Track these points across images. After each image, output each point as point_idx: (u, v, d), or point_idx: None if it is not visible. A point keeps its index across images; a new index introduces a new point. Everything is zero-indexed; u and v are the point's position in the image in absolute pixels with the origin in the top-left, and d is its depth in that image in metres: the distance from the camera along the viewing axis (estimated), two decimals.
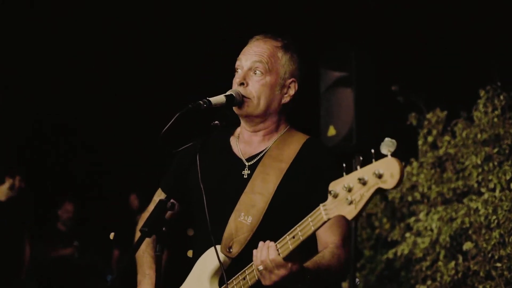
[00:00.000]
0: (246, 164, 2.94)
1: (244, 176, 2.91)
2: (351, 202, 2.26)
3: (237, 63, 2.97)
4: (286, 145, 2.95)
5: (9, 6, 7.76)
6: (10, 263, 6.76)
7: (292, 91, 2.97)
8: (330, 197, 2.34)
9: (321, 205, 2.38)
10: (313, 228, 2.41)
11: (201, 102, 2.70)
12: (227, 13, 7.63)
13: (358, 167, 2.25)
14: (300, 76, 3.00)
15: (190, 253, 3.01)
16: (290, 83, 2.96)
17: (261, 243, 2.57)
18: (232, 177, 2.93)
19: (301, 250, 2.52)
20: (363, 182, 2.22)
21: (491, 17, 6.06)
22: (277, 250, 2.51)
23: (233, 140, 3.06)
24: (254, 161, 2.94)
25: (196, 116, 2.68)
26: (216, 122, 2.77)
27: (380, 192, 2.20)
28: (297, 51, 3.02)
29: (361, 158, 2.25)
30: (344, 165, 2.33)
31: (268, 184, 2.84)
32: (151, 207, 3.13)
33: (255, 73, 2.90)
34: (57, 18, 7.96)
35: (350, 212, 2.28)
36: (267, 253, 2.52)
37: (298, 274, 2.54)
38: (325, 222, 2.38)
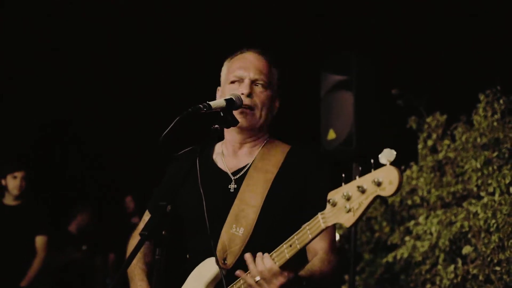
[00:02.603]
0: (232, 178, 2.98)
1: (231, 190, 2.95)
2: (349, 210, 2.29)
3: (236, 73, 2.99)
4: (270, 155, 3.00)
5: (8, 6, 7.77)
6: (11, 271, 6.71)
7: (277, 104, 3.08)
8: (328, 206, 2.35)
9: (319, 213, 2.40)
10: (310, 236, 2.43)
11: (201, 105, 2.70)
12: (228, 17, 7.64)
13: (357, 177, 2.28)
14: (281, 91, 3.10)
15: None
16: (277, 96, 3.07)
17: (249, 257, 2.59)
18: (219, 191, 2.96)
19: (296, 261, 2.55)
20: (362, 190, 2.24)
21: (491, 22, 6.07)
22: (273, 259, 2.53)
23: (216, 157, 3.09)
24: (240, 174, 2.98)
25: (197, 120, 2.69)
26: (216, 126, 2.78)
27: (380, 199, 2.21)
28: (282, 66, 3.12)
29: (360, 168, 2.28)
30: (343, 175, 2.35)
31: (256, 195, 2.88)
32: (141, 226, 3.15)
33: (257, 86, 2.96)
34: (56, 18, 7.97)
35: (348, 220, 2.30)
36: (263, 263, 2.53)
37: (295, 282, 2.55)
38: (323, 230, 2.40)
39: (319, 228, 2.40)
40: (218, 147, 3.12)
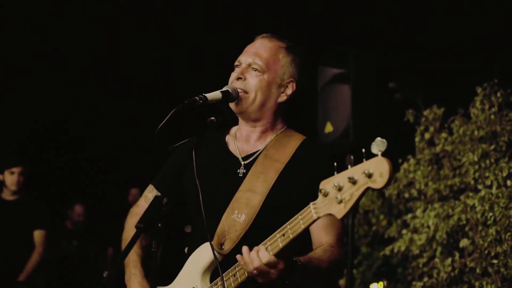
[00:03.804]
0: (242, 163, 2.96)
1: (240, 175, 2.92)
2: (340, 201, 2.26)
3: (239, 58, 2.99)
4: (282, 145, 2.96)
5: (8, 6, 7.76)
6: (9, 265, 6.71)
7: (289, 91, 2.98)
8: (320, 196, 2.33)
9: (311, 203, 2.38)
10: (302, 226, 2.40)
11: (197, 98, 2.69)
12: (226, 11, 7.63)
13: (349, 166, 2.25)
14: (299, 79, 3.02)
15: (186, 250, 3.01)
16: (288, 83, 2.98)
17: (246, 250, 2.54)
18: (228, 175, 2.94)
19: (293, 251, 2.52)
20: (353, 182, 2.22)
21: (489, 15, 6.07)
22: (266, 248, 2.49)
23: (229, 139, 3.07)
24: (250, 160, 2.95)
25: (193, 112, 2.68)
26: (212, 118, 2.77)
27: (374, 190, 2.19)
28: (301, 55, 3.05)
29: (352, 158, 2.27)
30: (335, 164, 2.33)
31: (263, 183, 2.85)
32: (141, 201, 3.14)
33: (254, 69, 2.93)
34: (56, 18, 7.96)
35: (340, 211, 2.28)
36: (259, 257, 2.50)
37: (289, 268, 2.53)
38: (314, 220, 2.37)
39: (311, 218, 2.38)
40: (233, 129, 3.10)
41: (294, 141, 2.98)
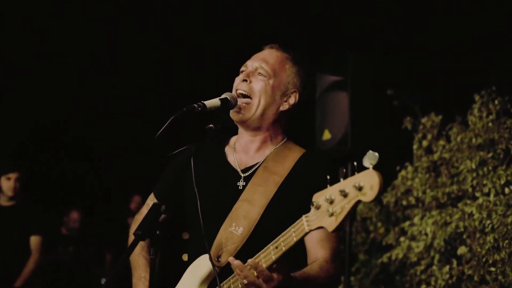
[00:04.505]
0: (242, 175, 2.95)
1: (239, 188, 2.92)
2: (332, 214, 2.27)
3: (245, 64, 3.01)
4: (282, 158, 2.96)
5: (8, 6, 7.76)
6: (5, 271, 6.69)
7: (292, 101, 3.00)
8: (312, 209, 2.34)
9: (303, 216, 2.38)
10: (295, 239, 2.40)
11: (195, 105, 2.68)
12: (226, 11, 7.63)
13: (341, 179, 2.27)
14: (302, 91, 3.03)
15: (185, 257, 3.01)
16: (292, 92, 3.00)
17: (238, 264, 2.52)
18: (227, 187, 2.93)
19: (289, 264, 2.52)
20: (344, 194, 2.24)
21: (487, 23, 6.08)
22: (259, 260, 2.49)
23: (228, 150, 3.07)
24: (249, 172, 2.95)
25: (192, 119, 2.68)
26: (211, 125, 2.76)
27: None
28: (306, 68, 3.08)
29: (344, 170, 2.27)
30: (328, 177, 2.33)
31: (262, 196, 2.85)
32: (144, 209, 3.14)
33: (259, 74, 2.94)
34: (56, 18, 7.96)
35: (331, 224, 2.29)
36: (252, 274, 2.49)
37: (285, 283, 2.52)
38: (306, 233, 2.38)
39: (303, 231, 2.38)
40: (233, 140, 3.10)
41: (294, 153, 2.98)
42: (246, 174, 2.94)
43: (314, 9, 7.28)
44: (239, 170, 2.97)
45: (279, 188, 2.87)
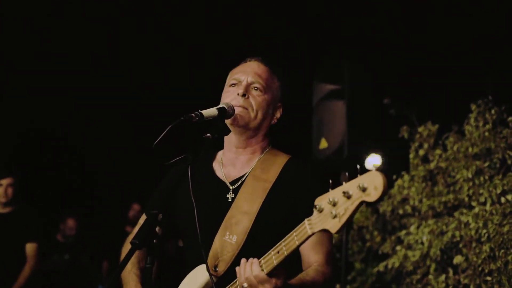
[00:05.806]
0: (230, 187, 2.99)
1: (229, 200, 2.95)
2: (335, 216, 2.28)
3: (236, 77, 3.02)
4: (269, 165, 3.01)
5: (8, 6, 7.76)
6: (0, 278, 6.66)
7: (278, 115, 3.09)
8: (315, 212, 2.35)
9: (306, 219, 2.40)
10: (297, 243, 2.42)
11: (192, 114, 2.70)
12: (228, 17, 7.64)
13: (344, 183, 2.28)
14: (283, 105, 3.12)
15: (180, 242, 3.04)
16: (279, 107, 3.09)
17: (243, 261, 2.59)
18: (217, 200, 2.97)
19: (286, 268, 2.53)
20: (348, 196, 2.25)
21: (484, 33, 6.10)
22: (261, 266, 2.52)
23: (216, 165, 3.11)
24: (238, 184, 2.99)
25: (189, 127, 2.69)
26: (208, 134, 2.77)
27: (368, 206, 2.22)
28: (287, 80, 3.14)
29: (347, 175, 2.29)
30: (330, 181, 2.35)
31: (252, 203, 2.89)
32: (135, 230, 3.13)
33: (255, 89, 2.98)
34: (56, 18, 7.96)
35: (334, 226, 2.30)
36: (251, 269, 2.53)
37: None
38: (309, 236, 2.39)
39: (306, 234, 2.39)
40: (219, 155, 3.14)
41: (280, 159, 3.04)
42: (235, 186, 2.99)
43: (311, 17, 7.30)
44: (227, 182, 3.01)
45: (269, 193, 2.91)
